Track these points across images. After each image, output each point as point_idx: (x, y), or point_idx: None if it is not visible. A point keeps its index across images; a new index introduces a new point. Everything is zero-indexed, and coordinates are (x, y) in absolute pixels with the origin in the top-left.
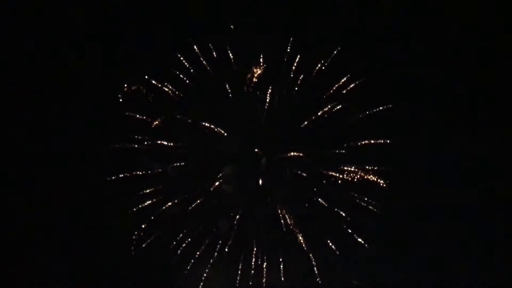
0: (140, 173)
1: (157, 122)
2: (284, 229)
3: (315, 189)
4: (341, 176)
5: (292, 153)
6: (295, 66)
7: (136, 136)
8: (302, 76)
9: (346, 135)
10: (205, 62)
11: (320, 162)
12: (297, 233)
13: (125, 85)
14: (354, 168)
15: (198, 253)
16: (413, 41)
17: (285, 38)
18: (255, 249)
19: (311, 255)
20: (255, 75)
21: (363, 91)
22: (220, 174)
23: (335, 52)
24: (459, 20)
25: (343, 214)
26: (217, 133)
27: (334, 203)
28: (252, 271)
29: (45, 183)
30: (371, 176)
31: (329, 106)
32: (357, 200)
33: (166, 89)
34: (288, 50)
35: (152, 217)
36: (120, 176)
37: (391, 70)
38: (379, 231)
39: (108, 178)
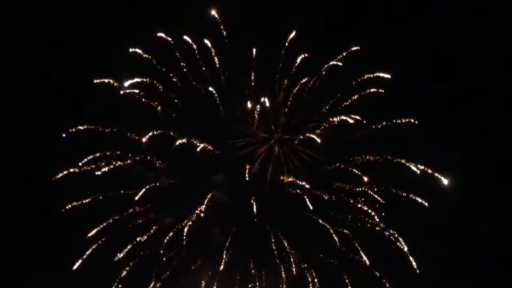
0: (130, 192)
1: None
2: (274, 246)
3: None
4: (333, 197)
5: (285, 177)
6: (289, 79)
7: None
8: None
9: (340, 152)
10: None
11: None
12: (289, 249)
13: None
14: (347, 187)
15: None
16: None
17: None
18: (251, 262)
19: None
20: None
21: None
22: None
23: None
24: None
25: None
26: (208, 149)
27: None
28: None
29: None
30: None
31: (325, 124)
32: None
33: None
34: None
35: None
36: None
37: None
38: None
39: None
